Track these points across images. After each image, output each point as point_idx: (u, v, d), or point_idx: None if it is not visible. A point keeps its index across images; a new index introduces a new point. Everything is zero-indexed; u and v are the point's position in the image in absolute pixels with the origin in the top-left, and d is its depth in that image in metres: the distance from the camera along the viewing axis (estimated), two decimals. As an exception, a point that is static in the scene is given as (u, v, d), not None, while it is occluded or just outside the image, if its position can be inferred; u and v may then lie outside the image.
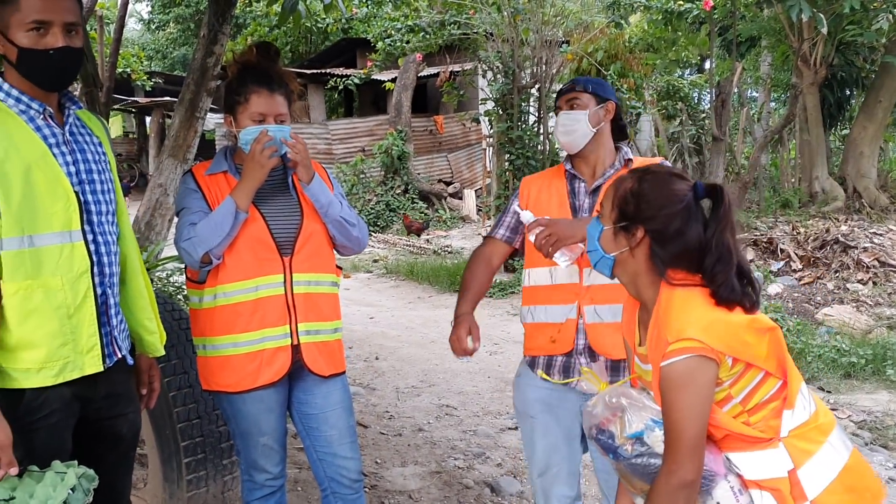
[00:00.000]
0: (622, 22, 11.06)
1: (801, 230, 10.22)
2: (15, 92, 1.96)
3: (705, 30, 12.14)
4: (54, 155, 1.97)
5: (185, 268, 2.58)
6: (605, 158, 2.64)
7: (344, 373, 2.66)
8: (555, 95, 2.79)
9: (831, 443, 1.77)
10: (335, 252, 2.67)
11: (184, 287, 6.75)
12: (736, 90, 13.65)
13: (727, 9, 10.59)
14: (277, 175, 2.58)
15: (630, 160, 2.64)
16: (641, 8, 11.09)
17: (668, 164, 2.61)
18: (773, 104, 19.42)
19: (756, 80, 18.60)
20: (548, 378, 2.58)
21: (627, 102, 12.33)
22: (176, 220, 2.65)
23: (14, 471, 1.83)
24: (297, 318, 2.48)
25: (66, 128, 2.05)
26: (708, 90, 12.93)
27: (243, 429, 2.55)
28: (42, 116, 1.99)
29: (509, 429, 4.98)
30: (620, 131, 2.71)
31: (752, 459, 1.75)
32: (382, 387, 6.00)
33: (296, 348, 2.49)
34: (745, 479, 1.76)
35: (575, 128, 2.59)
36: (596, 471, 2.66)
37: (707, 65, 14.20)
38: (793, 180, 14.44)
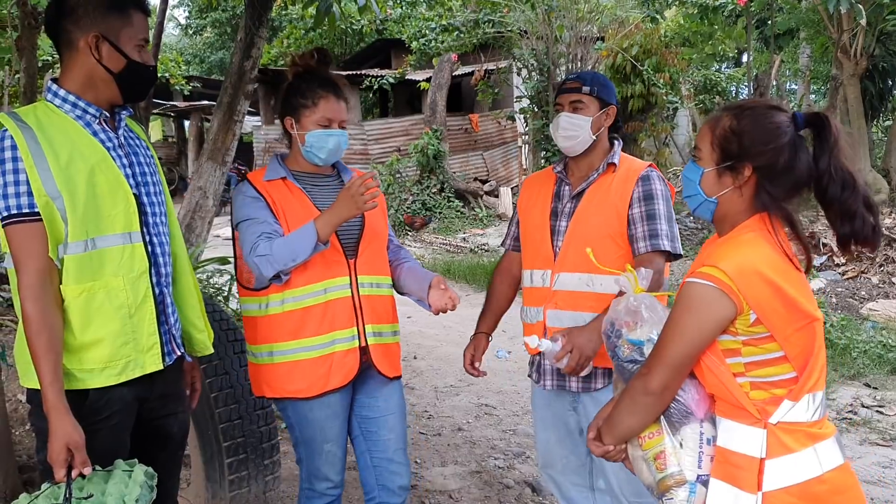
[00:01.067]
0: (657, 17, 10.95)
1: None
2: (71, 97, 2.00)
3: (742, 23, 11.99)
4: (112, 158, 2.02)
5: (236, 276, 2.59)
6: (596, 162, 2.64)
7: (401, 377, 2.66)
8: (557, 89, 2.76)
9: (815, 451, 1.68)
10: None
11: (224, 288, 6.85)
12: (774, 83, 13.44)
13: (764, 1, 10.44)
14: (331, 177, 2.63)
15: (614, 164, 2.61)
16: (677, 2, 10.98)
17: (656, 171, 2.62)
18: (813, 96, 19.09)
19: (795, 72, 18.28)
20: (530, 376, 2.76)
21: (664, 97, 12.20)
22: (221, 225, 2.65)
23: (88, 470, 1.87)
24: (363, 319, 2.48)
25: (120, 132, 2.10)
26: (746, 84, 12.76)
27: (308, 436, 2.53)
28: (98, 121, 2.04)
29: (549, 428, 4.95)
30: (615, 130, 2.71)
31: (734, 430, 1.70)
32: (421, 386, 6.01)
33: (364, 350, 2.49)
34: (717, 445, 1.73)
35: (577, 133, 2.58)
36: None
37: (744, 58, 14.00)
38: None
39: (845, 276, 8.67)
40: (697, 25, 13.17)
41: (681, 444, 1.75)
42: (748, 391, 1.70)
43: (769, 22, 10.83)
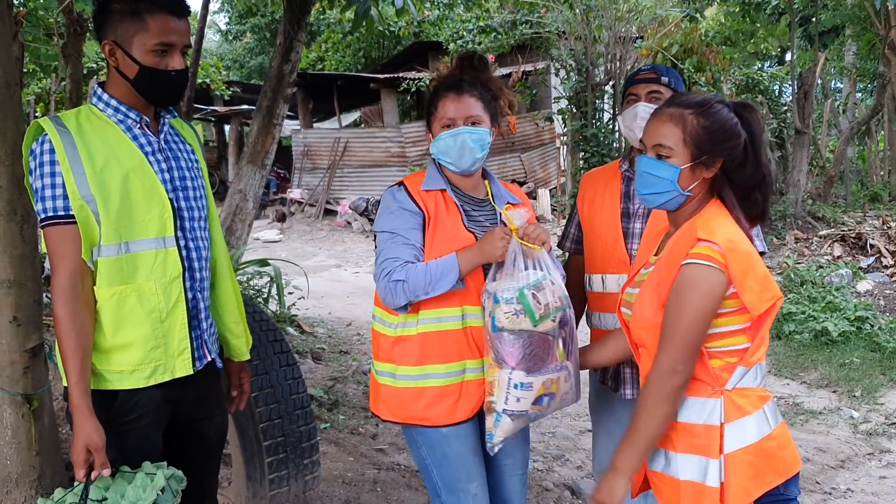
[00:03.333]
0: (697, 16, 10.82)
1: (892, 224, 9.80)
2: (114, 102, 2.03)
3: (785, 20, 11.79)
4: (150, 163, 2.04)
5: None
6: None
7: None
8: (627, 80, 2.62)
9: (765, 412, 1.85)
10: None
11: (264, 290, 6.92)
12: (819, 81, 13.20)
13: (808, -2, 10.27)
14: (487, 203, 2.40)
15: None
16: (718, 0, 10.84)
17: None
18: (860, 95, 18.72)
19: (840, 70, 17.95)
20: (604, 383, 2.63)
21: (705, 97, 12.03)
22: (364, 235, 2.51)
23: (107, 472, 1.89)
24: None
25: (161, 136, 2.11)
26: (789, 82, 12.54)
27: (449, 476, 2.28)
28: (139, 126, 2.06)
29: (588, 431, 4.91)
30: None
31: (692, 404, 1.84)
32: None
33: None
34: (679, 421, 1.85)
35: None
36: None
37: (788, 56, 13.78)
38: (882, 173, 13.89)
39: (893, 278, 8.47)
40: (739, 23, 12.97)
41: (497, 383, 2.10)
42: (707, 360, 1.83)
43: (813, 19, 10.64)
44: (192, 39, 8.51)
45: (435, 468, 2.30)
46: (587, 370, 2.71)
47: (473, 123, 2.27)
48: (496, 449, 2.18)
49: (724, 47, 13.63)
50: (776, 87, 15.69)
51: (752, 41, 14.20)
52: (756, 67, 16.60)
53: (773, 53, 19.04)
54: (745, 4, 10.46)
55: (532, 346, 2.09)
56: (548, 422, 5.14)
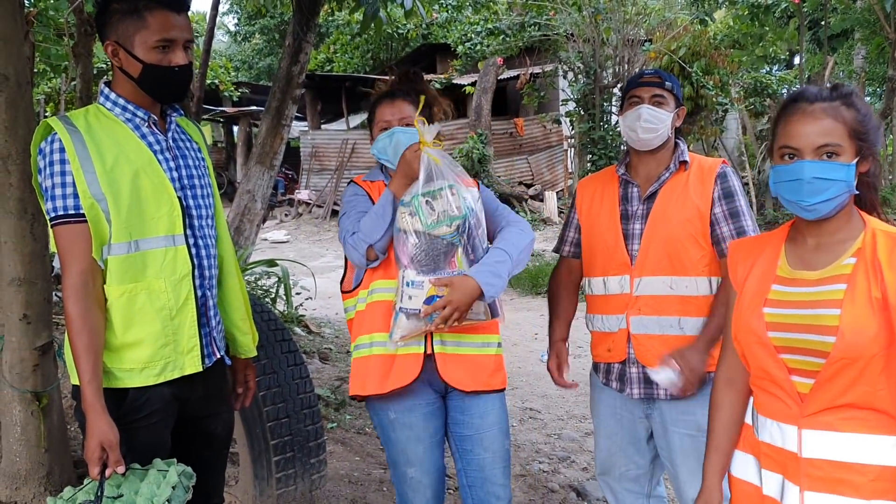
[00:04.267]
0: (707, 18, 10.81)
1: (900, 229, 9.75)
2: (121, 101, 2.05)
3: (794, 24, 11.78)
4: (159, 161, 2.05)
5: (342, 282, 2.56)
6: (664, 161, 2.56)
7: (499, 391, 2.50)
8: (629, 83, 2.64)
9: None
10: None
11: (271, 290, 6.94)
12: (828, 85, 13.17)
13: (817, 1, 10.24)
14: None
15: (685, 162, 2.53)
16: (727, 3, 10.82)
17: (729, 167, 2.55)
18: (869, 98, 18.66)
19: (849, 74, 17.88)
20: (607, 385, 2.63)
21: (714, 99, 12.04)
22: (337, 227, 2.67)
23: (121, 469, 1.91)
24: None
25: (169, 134, 2.13)
26: (798, 86, 12.52)
27: (392, 459, 2.49)
28: (147, 124, 2.07)
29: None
30: (677, 130, 2.63)
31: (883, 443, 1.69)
32: (465, 389, 6.00)
33: (428, 357, 2.38)
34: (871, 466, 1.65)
35: (657, 127, 2.49)
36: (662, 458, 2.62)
37: (797, 60, 13.75)
38: (889, 177, 13.84)
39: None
40: (748, 27, 12.95)
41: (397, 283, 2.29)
42: None
43: (822, 23, 10.62)
44: (202, 41, 8.57)
45: (385, 445, 2.51)
46: (590, 375, 2.76)
47: (408, 125, 2.45)
48: (395, 346, 2.34)
49: (732, 50, 13.63)
50: (784, 91, 15.67)
51: (760, 45, 14.19)
52: (764, 71, 16.58)
53: (782, 57, 19.00)
54: (754, 8, 10.45)
55: (424, 247, 2.26)
56: (554, 423, 5.14)
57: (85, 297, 1.93)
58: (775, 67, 20.32)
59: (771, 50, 15.32)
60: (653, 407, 2.54)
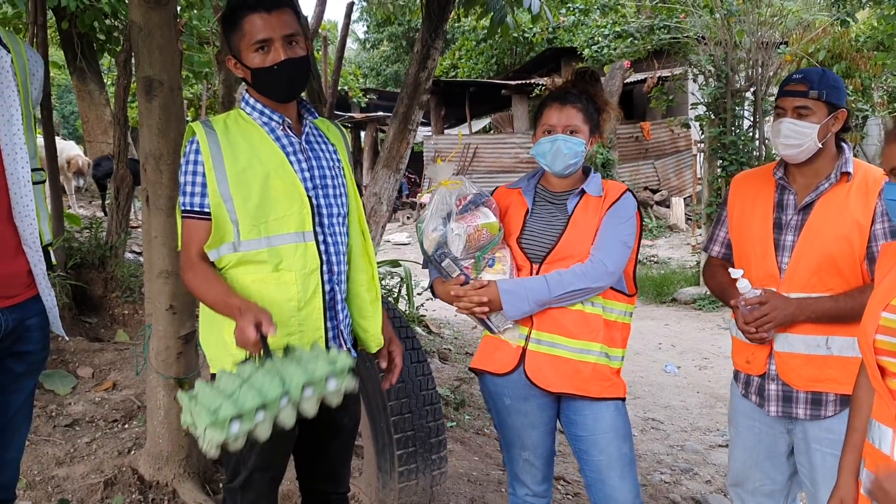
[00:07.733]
0: (848, 19, 10.24)
1: None
2: (259, 105, 2.19)
3: (948, 22, 10.99)
4: (291, 162, 2.16)
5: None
6: (823, 169, 2.39)
7: (618, 399, 2.49)
8: (778, 89, 2.49)
9: None
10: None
11: (394, 290, 7.10)
12: None
13: (975, -3, 9.53)
14: (563, 195, 2.56)
15: (848, 173, 2.35)
16: (871, 3, 10.23)
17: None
18: None
19: None
20: (746, 396, 2.54)
21: (853, 105, 11.42)
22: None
23: (272, 330, 1.90)
24: (534, 324, 2.45)
25: (303, 137, 2.24)
26: (951, 88, 11.69)
27: (507, 440, 2.62)
28: (281, 127, 2.20)
29: (720, 446, 4.77)
30: (844, 131, 2.43)
31: None
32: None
33: (523, 353, 2.46)
34: None
35: (801, 142, 2.33)
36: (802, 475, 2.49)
37: (950, 60, 12.83)
38: None
39: None
40: (894, 27, 12.20)
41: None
42: None
43: (980, 20, 9.86)
44: (333, 49, 8.83)
45: (499, 428, 2.64)
46: (731, 383, 2.64)
47: (572, 132, 2.45)
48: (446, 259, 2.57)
49: (876, 53, 12.87)
50: (935, 94, 14.66)
51: (908, 45, 13.33)
52: (913, 73, 15.57)
53: (933, 57, 17.78)
54: (903, 5, 9.81)
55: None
56: (676, 435, 5.02)
57: (198, 263, 2.10)
58: (925, 69, 19.03)
59: (920, 51, 14.38)
60: (794, 423, 2.42)
